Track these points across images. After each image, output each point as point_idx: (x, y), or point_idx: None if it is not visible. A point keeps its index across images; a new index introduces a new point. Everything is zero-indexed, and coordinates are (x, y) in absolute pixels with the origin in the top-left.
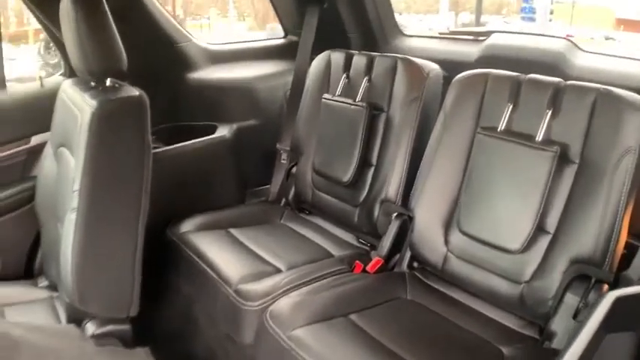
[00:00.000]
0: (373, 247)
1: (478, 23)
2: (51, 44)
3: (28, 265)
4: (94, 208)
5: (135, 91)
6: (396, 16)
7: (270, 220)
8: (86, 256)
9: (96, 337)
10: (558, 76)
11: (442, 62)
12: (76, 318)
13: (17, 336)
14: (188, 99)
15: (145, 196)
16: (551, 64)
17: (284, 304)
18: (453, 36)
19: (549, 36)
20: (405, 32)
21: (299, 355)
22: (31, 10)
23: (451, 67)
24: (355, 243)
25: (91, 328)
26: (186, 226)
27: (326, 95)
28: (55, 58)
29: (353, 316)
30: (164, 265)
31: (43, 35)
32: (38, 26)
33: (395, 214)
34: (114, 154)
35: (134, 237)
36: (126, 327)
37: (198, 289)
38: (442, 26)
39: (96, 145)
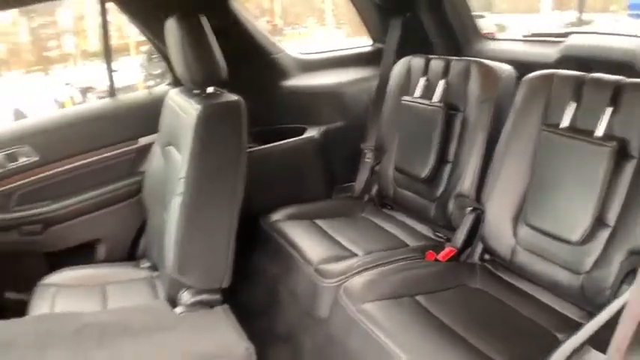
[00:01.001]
0: (448, 240)
1: (581, 22)
2: (153, 56)
3: (132, 249)
4: (196, 192)
5: (234, 97)
6: (498, 17)
7: (353, 213)
8: (187, 233)
9: (189, 305)
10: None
11: (522, 64)
12: (173, 293)
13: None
14: (280, 104)
15: (240, 187)
16: (629, 63)
17: (357, 281)
18: (532, 38)
19: (627, 35)
20: (499, 35)
21: (367, 326)
22: (138, 28)
23: (531, 68)
24: (431, 235)
25: (186, 297)
26: (277, 216)
27: (405, 97)
28: (158, 69)
29: (420, 297)
30: (255, 250)
31: (144, 47)
32: (137, 39)
33: (469, 209)
34: (214, 150)
35: (229, 220)
36: (217, 296)
37: (283, 269)
38: (544, 26)
39: (199, 142)
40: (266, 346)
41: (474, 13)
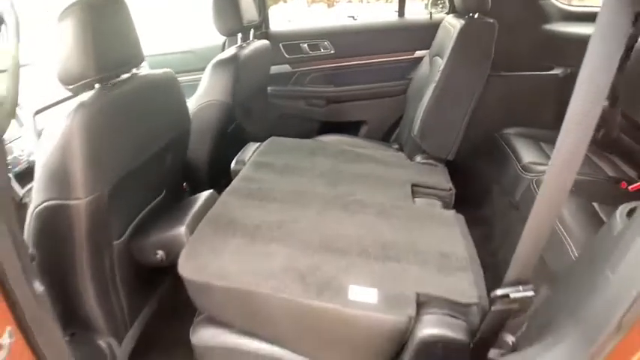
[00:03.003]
0: None
1: None
2: None
3: (387, 135)
4: (446, 85)
5: (490, 21)
6: None
7: None
8: (432, 112)
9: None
10: None
11: None
12: (411, 155)
13: None
14: (536, 43)
15: (475, 97)
16: None
17: None
18: None
19: None
20: None
21: None
22: None
23: None
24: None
25: (418, 160)
26: (508, 131)
27: None
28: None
29: (595, 205)
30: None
31: None
32: None
33: None
34: (464, 58)
35: (463, 113)
36: (441, 165)
37: (499, 168)
38: None
39: (458, 46)
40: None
41: None
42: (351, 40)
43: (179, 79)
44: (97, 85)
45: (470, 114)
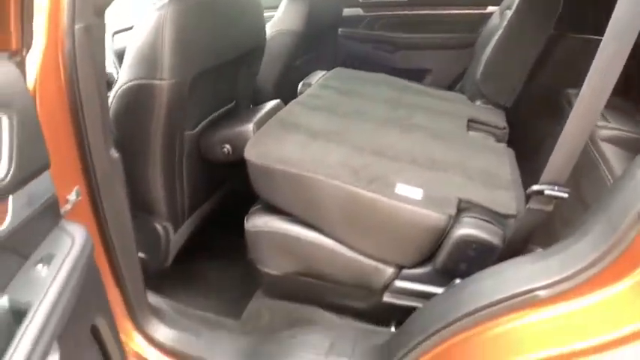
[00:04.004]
0: None
1: None
2: None
3: (452, 84)
4: (510, 32)
5: None
6: None
7: None
8: (496, 55)
9: None
10: None
11: None
12: (473, 99)
13: None
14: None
15: (538, 51)
16: None
17: None
18: None
19: None
20: None
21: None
22: None
23: None
24: None
25: (478, 103)
26: (571, 91)
27: None
28: None
29: None
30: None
31: None
32: None
33: None
34: (531, 10)
35: (528, 60)
36: (499, 111)
37: (554, 124)
38: None
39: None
40: None
41: None
42: None
43: None
44: None
45: (532, 66)
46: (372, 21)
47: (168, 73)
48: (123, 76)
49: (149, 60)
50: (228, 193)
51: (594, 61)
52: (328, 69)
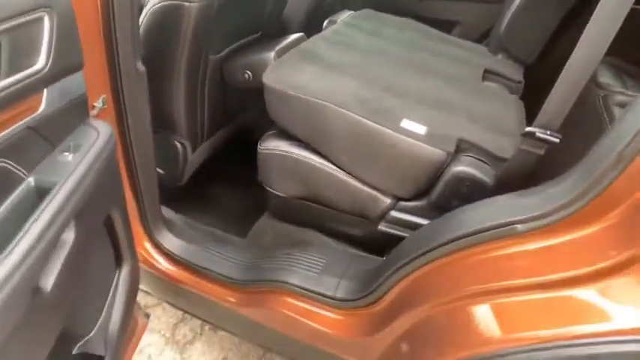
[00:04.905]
0: None
1: None
2: None
3: (480, 38)
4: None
5: None
6: None
7: None
8: (521, 13)
9: None
10: None
11: None
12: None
13: None
14: None
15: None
16: None
17: None
18: None
19: None
20: None
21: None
22: None
23: None
24: None
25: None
26: None
27: None
28: None
29: None
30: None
31: None
32: None
33: None
34: None
35: (554, 18)
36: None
37: None
38: None
39: None
40: None
41: None
42: None
43: None
44: None
45: (556, 27)
46: None
47: None
48: None
49: None
50: (244, 125)
51: (597, 8)
52: (356, 10)
